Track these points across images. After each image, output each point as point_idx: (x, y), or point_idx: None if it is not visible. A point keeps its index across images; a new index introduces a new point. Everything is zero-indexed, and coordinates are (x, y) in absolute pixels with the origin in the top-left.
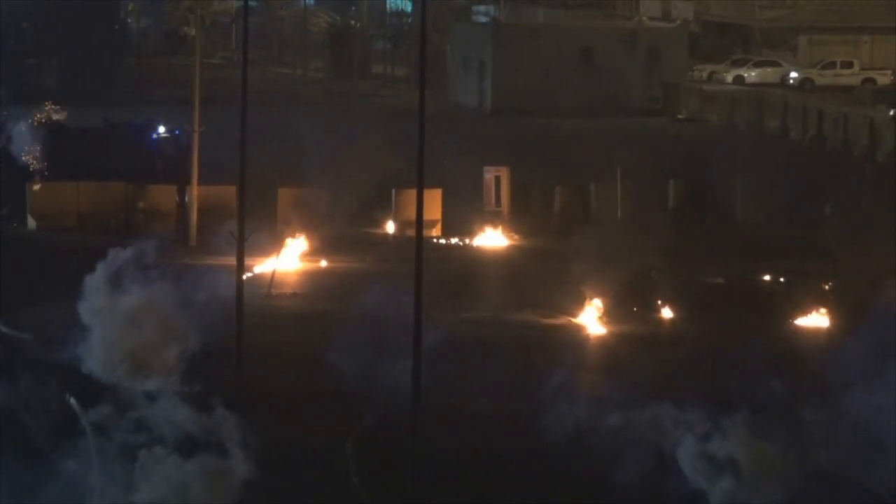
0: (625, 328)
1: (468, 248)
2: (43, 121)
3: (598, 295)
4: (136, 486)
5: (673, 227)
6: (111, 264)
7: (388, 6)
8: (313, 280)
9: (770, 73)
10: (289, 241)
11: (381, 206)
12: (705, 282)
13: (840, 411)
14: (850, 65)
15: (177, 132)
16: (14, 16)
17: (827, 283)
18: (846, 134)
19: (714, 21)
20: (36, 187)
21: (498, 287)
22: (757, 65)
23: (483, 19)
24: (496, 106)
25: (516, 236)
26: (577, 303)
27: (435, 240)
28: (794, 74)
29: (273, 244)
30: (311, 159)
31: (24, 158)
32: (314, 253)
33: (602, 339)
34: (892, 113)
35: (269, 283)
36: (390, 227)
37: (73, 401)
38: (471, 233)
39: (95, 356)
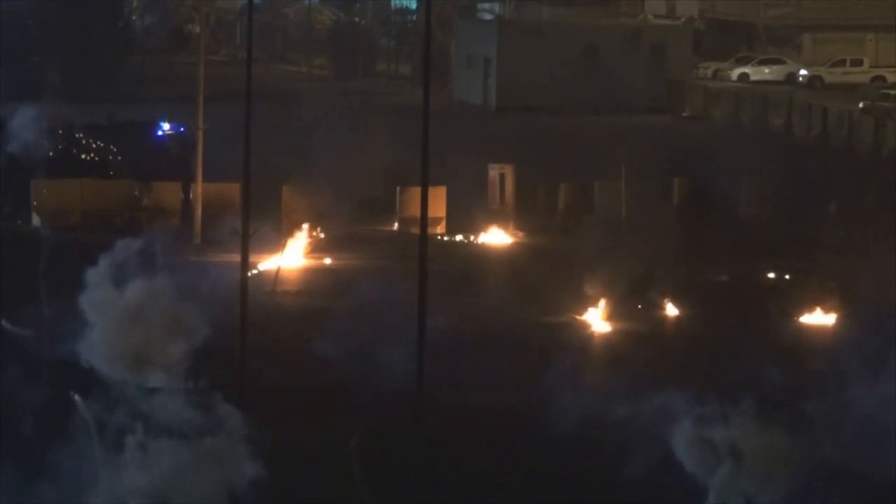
0: (629, 325)
1: (473, 246)
2: (54, 120)
3: (602, 293)
4: (130, 471)
5: (677, 224)
6: (114, 259)
7: (392, 3)
8: (318, 277)
9: (775, 71)
10: (293, 239)
11: (386, 203)
12: (709, 279)
13: (846, 405)
14: (859, 62)
15: (181, 129)
16: (18, 13)
17: (831, 281)
18: (850, 131)
19: (719, 19)
20: (43, 189)
21: (502, 285)
22: (762, 63)
23: (488, 17)
24: (501, 103)
25: (521, 234)
26: (582, 300)
27: (439, 237)
28: (803, 72)
29: (277, 241)
30: (315, 157)
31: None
32: (318, 250)
33: (606, 337)
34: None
35: (273, 281)
36: (395, 224)
37: (76, 397)
38: (475, 230)
39: (97, 352)
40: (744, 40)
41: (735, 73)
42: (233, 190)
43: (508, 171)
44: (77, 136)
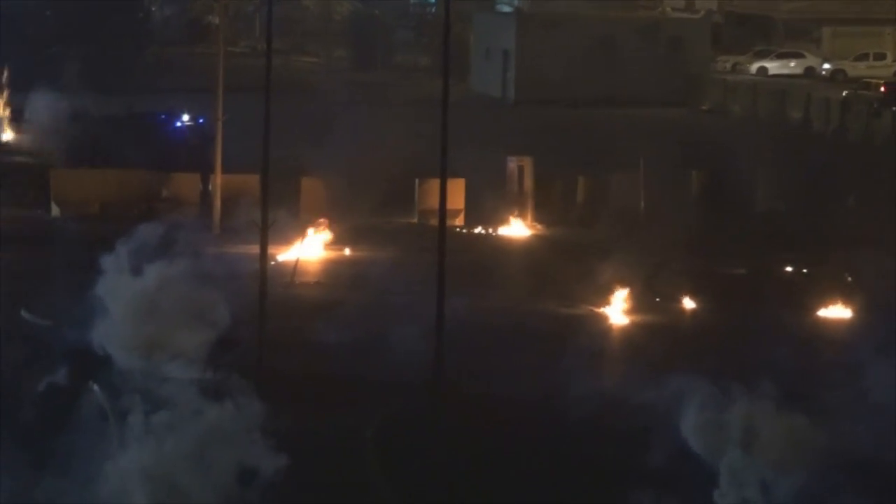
0: (647, 318)
1: (491, 238)
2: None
3: (620, 285)
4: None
5: (695, 217)
6: (132, 248)
7: None
8: (337, 269)
9: (793, 65)
10: (312, 230)
11: (405, 195)
12: (727, 272)
13: (864, 395)
14: (882, 56)
15: (200, 121)
16: (38, 4)
17: (849, 274)
18: (868, 125)
19: (737, 12)
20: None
21: (520, 277)
22: (780, 56)
23: (506, 9)
24: (519, 96)
25: (539, 226)
26: (600, 293)
27: (458, 229)
28: (826, 66)
29: (296, 233)
30: (334, 148)
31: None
32: (337, 242)
33: (624, 329)
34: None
35: (292, 272)
36: (414, 216)
37: (94, 386)
38: (494, 223)
39: (114, 340)
40: (762, 34)
41: (754, 67)
42: (252, 181)
43: (527, 163)
44: (96, 126)
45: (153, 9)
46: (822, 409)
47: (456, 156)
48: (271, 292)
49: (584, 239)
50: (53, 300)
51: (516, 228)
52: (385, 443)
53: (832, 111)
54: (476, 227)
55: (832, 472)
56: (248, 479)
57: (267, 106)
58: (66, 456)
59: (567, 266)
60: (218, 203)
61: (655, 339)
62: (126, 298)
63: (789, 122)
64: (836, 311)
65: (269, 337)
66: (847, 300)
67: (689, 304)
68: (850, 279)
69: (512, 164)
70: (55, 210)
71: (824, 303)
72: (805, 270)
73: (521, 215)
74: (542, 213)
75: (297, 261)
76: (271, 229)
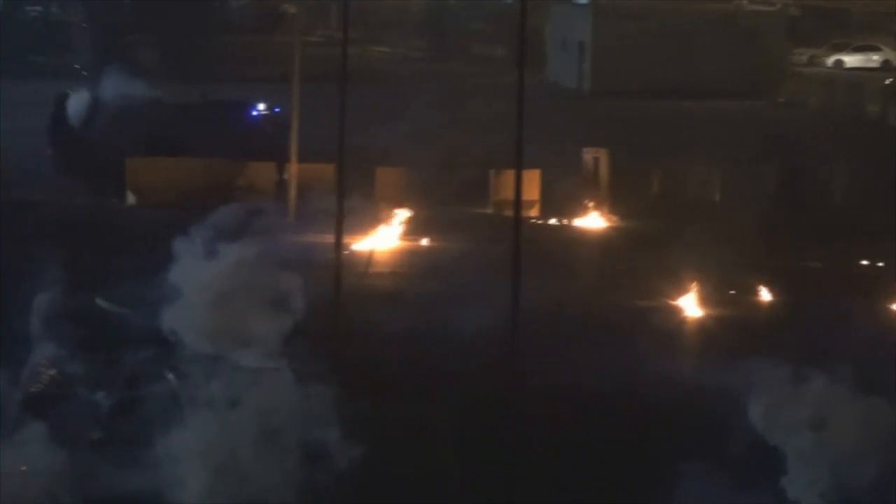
0: (722, 311)
1: (566, 229)
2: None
3: (694, 277)
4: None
5: (771, 210)
6: (207, 234)
7: None
8: (412, 259)
9: (871, 58)
10: (387, 220)
11: (480, 185)
12: (803, 265)
13: None
14: None
15: (276, 110)
16: None
17: None
18: None
19: (813, 5)
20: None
21: (594, 268)
22: (857, 49)
23: (582, 0)
24: (595, 87)
25: (614, 218)
26: (674, 284)
27: (533, 220)
28: None
29: (371, 222)
30: (409, 138)
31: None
32: (412, 232)
33: (699, 321)
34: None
35: (367, 262)
36: (488, 207)
37: (169, 375)
38: (569, 214)
39: (190, 327)
40: (838, 27)
41: (830, 60)
42: (327, 170)
43: (602, 154)
44: (171, 114)
45: None
46: None
47: (531, 147)
48: (346, 281)
49: (660, 231)
50: (131, 288)
51: (591, 220)
52: (459, 431)
53: None
54: (551, 219)
55: None
56: (323, 467)
57: (342, 96)
58: (138, 443)
59: (642, 258)
60: (293, 192)
61: (730, 331)
62: (201, 286)
63: (866, 115)
64: None
65: (343, 325)
66: None
67: (765, 296)
68: None
69: (587, 155)
70: (130, 198)
71: None
72: (882, 264)
73: (597, 207)
74: (617, 204)
75: (372, 250)
76: (346, 218)
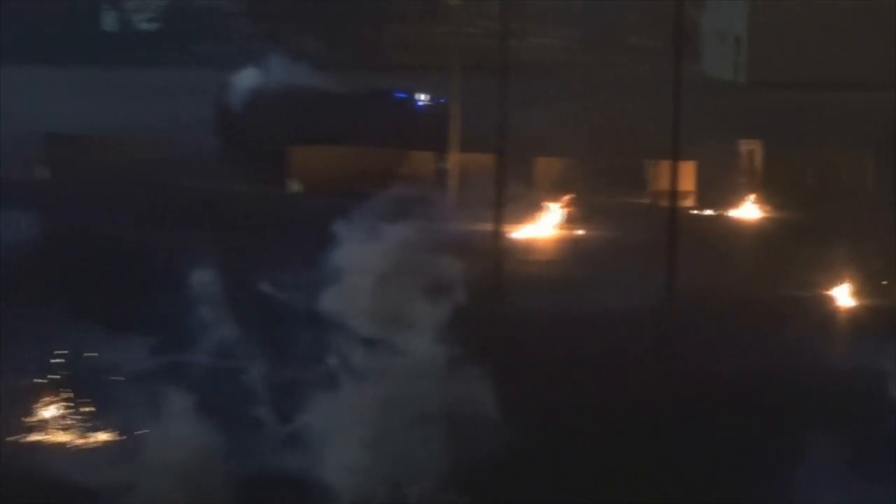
0: (876, 301)
1: (721, 220)
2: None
3: (849, 268)
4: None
5: None
6: (370, 222)
7: None
8: (569, 247)
9: None
10: (545, 209)
11: (636, 176)
12: None
13: None
14: None
15: (440, 101)
16: None
17: None
18: None
19: None
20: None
21: (748, 258)
22: None
23: None
24: (752, 78)
25: (770, 208)
26: (828, 275)
27: (689, 211)
28: None
29: (530, 211)
30: (567, 129)
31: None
32: (570, 221)
33: (852, 312)
34: None
35: (526, 249)
36: (645, 197)
37: (330, 360)
38: (724, 205)
39: (353, 311)
40: None
41: None
42: (487, 160)
43: (758, 146)
44: (336, 103)
45: None
46: None
47: (687, 138)
48: (505, 268)
49: (814, 221)
50: (296, 274)
51: (746, 211)
52: (616, 418)
53: None
54: (707, 209)
55: None
56: (479, 450)
57: (503, 87)
58: (296, 422)
59: (796, 248)
60: (454, 181)
61: (881, 322)
62: (364, 271)
63: None
64: None
65: (503, 311)
66: None
67: None
68: None
69: (743, 147)
70: (293, 186)
71: None
72: None
73: (752, 197)
74: (772, 195)
75: (531, 239)
76: (505, 207)
